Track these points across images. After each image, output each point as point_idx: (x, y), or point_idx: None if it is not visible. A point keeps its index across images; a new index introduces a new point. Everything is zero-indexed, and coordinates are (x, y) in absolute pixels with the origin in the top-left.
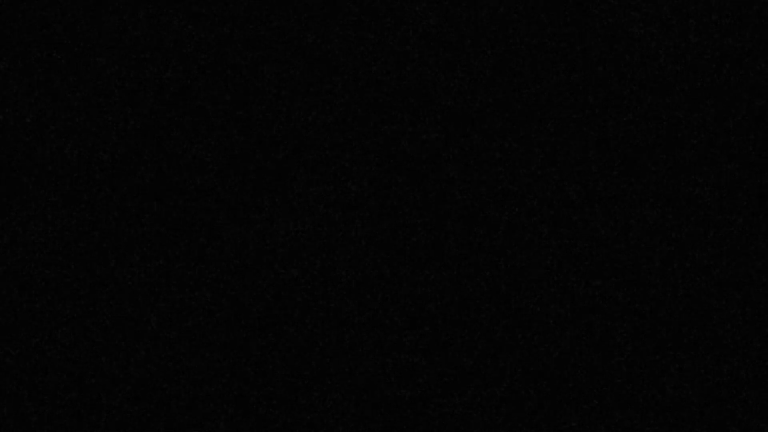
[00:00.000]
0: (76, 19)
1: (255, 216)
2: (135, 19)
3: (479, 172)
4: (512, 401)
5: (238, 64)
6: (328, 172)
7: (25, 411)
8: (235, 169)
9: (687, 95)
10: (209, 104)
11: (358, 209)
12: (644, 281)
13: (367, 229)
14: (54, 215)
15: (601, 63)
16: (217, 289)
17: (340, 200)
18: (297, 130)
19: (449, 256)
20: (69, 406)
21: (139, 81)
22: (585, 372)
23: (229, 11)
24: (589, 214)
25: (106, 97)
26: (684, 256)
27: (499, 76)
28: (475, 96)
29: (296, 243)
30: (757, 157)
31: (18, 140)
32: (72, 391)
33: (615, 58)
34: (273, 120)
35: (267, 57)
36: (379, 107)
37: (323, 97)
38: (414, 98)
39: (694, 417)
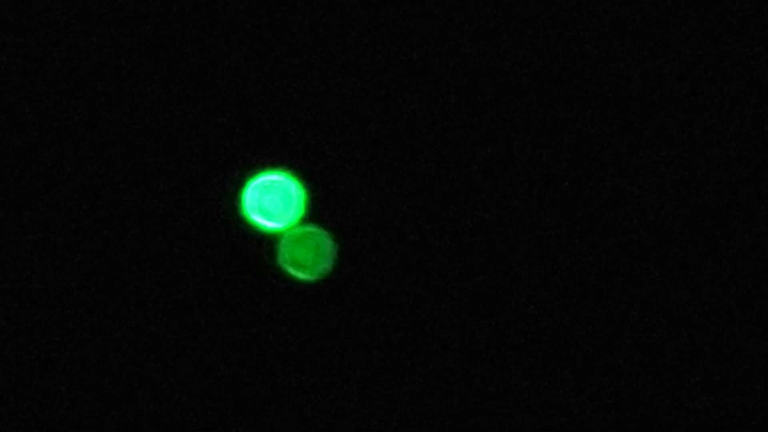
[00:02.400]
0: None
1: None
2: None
3: (479, 172)
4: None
5: (238, 63)
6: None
7: (25, 411)
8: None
9: (686, 95)
10: (209, 103)
11: (356, 209)
12: (643, 283)
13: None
14: (53, 215)
15: (601, 63)
16: (216, 289)
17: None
18: (296, 130)
19: (450, 259)
20: (69, 406)
21: (139, 80)
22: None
23: (228, 11)
24: (588, 216)
25: (105, 97)
26: (683, 259)
27: (498, 77)
28: (474, 96)
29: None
30: (757, 158)
31: (18, 140)
32: (70, 391)
33: (614, 58)
34: (272, 119)
35: (266, 57)
36: (378, 108)
37: (323, 97)
38: (413, 99)
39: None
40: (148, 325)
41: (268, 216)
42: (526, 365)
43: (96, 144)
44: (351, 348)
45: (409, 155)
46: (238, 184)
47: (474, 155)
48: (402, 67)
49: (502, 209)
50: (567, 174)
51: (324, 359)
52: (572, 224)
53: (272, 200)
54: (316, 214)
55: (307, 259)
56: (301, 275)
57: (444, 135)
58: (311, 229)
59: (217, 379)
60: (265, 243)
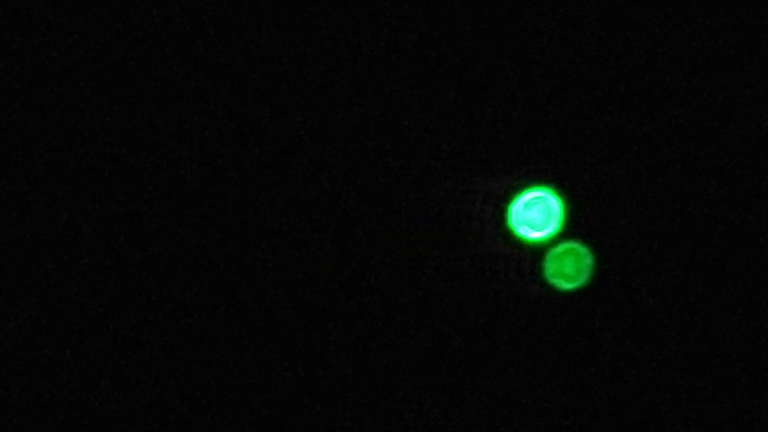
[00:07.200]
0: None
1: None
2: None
3: (479, 174)
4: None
5: (238, 64)
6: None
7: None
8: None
9: (686, 96)
10: (210, 104)
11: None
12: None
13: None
14: (53, 215)
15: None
16: (217, 290)
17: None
18: (295, 132)
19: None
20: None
21: (139, 81)
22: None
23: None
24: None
25: (106, 97)
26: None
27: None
28: (472, 97)
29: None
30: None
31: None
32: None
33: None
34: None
35: (266, 57)
36: (378, 109)
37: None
38: (413, 101)
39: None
40: (409, 332)
41: (533, 228)
42: None
43: (353, 153)
44: (609, 357)
45: (667, 169)
46: (506, 198)
47: (727, 164)
48: (659, 86)
49: (734, 216)
50: None
51: (584, 369)
52: None
53: (537, 214)
54: (577, 227)
55: (570, 271)
56: (564, 286)
57: (698, 147)
58: (574, 242)
59: (488, 386)
60: (531, 255)
